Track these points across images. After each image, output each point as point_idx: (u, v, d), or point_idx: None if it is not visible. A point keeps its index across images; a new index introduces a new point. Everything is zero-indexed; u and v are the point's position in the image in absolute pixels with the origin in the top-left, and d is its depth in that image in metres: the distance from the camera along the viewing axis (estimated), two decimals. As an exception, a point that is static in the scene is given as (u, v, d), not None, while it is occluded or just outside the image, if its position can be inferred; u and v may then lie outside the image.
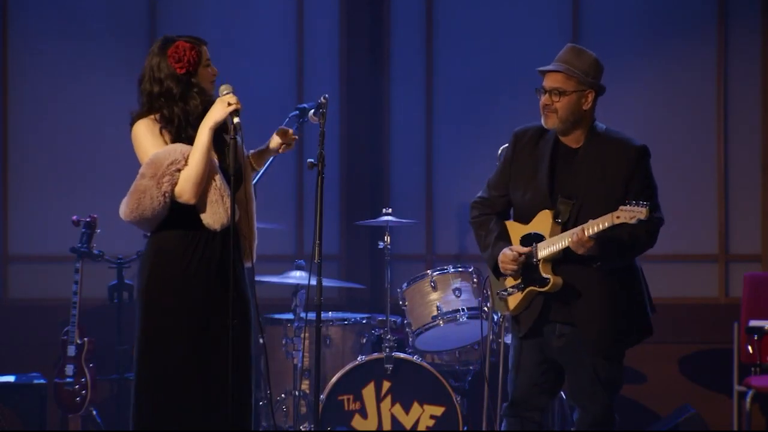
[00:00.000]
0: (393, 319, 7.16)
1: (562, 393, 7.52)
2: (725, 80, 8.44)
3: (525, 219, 5.30)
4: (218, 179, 4.92)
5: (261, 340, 5.91)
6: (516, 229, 5.34)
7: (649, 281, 8.35)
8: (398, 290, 7.21)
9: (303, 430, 7.11)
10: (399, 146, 8.43)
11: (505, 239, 5.33)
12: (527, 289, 5.26)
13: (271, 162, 6.29)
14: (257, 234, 5.13)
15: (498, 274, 5.34)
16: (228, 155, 4.90)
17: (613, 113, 8.43)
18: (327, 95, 5.26)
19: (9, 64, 8.35)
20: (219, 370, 4.93)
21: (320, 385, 5.30)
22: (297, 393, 7.17)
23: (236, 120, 4.88)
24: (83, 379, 7.45)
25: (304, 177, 8.42)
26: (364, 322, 7.38)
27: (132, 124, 5.01)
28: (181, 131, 4.95)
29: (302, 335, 7.19)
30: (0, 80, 8.34)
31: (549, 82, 5.20)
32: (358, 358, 7.09)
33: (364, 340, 7.34)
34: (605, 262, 5.13)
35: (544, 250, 5.18)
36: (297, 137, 5.16)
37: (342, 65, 8.44)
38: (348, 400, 7.03)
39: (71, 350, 7.44)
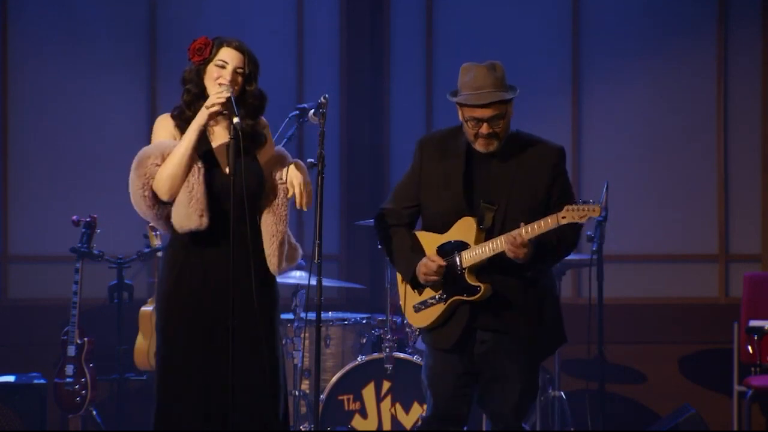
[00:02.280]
0: (393, 319, 7.16)
1: (562, 393, 7.52)
2: (725, 80, 8.44)
3: (440, 228, 5.09)
4: (195, 180, 4.91)
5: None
6: (430, 239, 5.12)
7: (649, 281, 8.45)
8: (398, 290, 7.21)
9: (303, 430, 7.11)
10: (399, 146, 8.43)
11: (420, 250, 5.12)
12: (451, 300, 5.06)
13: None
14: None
15: (416, 285, 5.13)
16: (228, 155, 4.90)
17: (613, 113, 8.47)
18: (327, 95, 5.25)
19: (9, 64, 8.35)
20: (239, 371, 4.90)
21: (320, 385, 5.29)
22: (297, 393, 7.17)
23: (236, 120, 4.88)
24: (83, 379, 7.45)
25: (304, 177, 8.41)
26: (364, 322, 7.38)
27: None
28: (182, 117, 4.99)
29: (302, 335, 7.19)
30: (0, 80, 8.34)
31: (485, 112, 4.97)
32: (358, 358, 7.09)
33: (364, 340, 7.34)
34: (539, 266, 5.00)
35: (469, 259, 5.00)
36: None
37: (342, 65, 8.45)
38: (348, 400, 7.03)
39: (71, 350, 7.44)
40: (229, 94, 4.90)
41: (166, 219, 4.97)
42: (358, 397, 7.02)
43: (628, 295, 8.40)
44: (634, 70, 8.45)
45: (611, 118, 8.47)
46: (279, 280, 7.26)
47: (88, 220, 7.48)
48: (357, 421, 7.02)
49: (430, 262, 5.04)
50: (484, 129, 4.98)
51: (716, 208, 8.45)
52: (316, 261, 5.10)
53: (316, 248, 5.10)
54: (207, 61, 4.97)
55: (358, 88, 8.41)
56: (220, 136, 5.03)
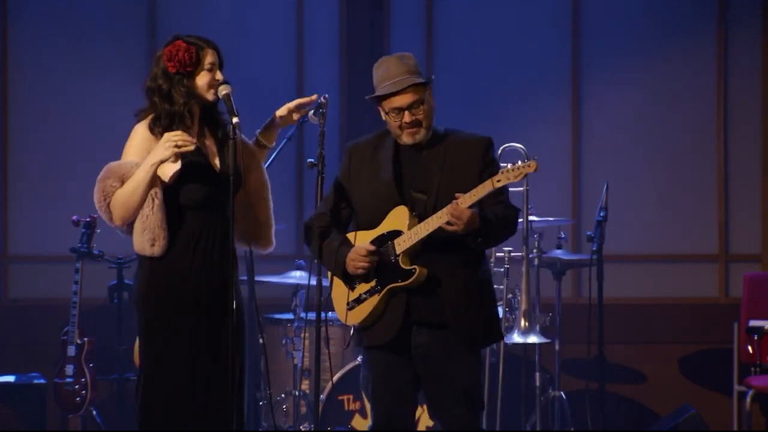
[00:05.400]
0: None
1: (562, 393, 7.53)
2: (725, 80, 8.44)
3: (373, 223, 5.00)
4: (149, 210, 4.93)
5: (261, 340, 5.91)
6: (362, 237, 5.02)
7: (649, 281, 8.45)
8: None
9: (303, 430, 7.11)
10: (399, 146, 8.43)
11: (350, 246, 5.01)
12: (386, 289, 4.94)
13: (272, 160, 6.29)
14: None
15: (347, 280, 5.03)
16: (228, 155, 4.91)
17: (613, 113, 8.47)
18: (327, 95, 5.26)
19: (9, 64, 8.35)
20: (219, 371, 4.94)
21: (320, 385, 5.29)
22: (297, 393, 7.17)
23: (235, 120, 4.89)
24: (83, 379, 7.45)
25: (304, 177, 8.42)
26: (364, 322, 7.37)
27: (136, 119, 5.04)
28: (169, 130, 4.95)
29: (302, 335, 7.19)
30: (0, 80, 8.35)
31: (404, 99, 4.95)
32: (358, 358, 7.09)
33: (364, 340, 7.33)
34: (482, 239, 4.84)
35: (403, 243, 4.91)
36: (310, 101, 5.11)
37: (342, 65, 8.45)
38: (348, 400, 7.02)
39: (71, 350, 7.44)
40: (229, 91, 4.94)
41: (128, 228, 5.04)
42: (358, 397, 7.02)
43: (628, 295, 8.40)
44: (634, 70, 8.45)
45: (611, 118, 8.48)
46: (279, 280, 7.31)
47: (88, 220, 7.49)
48: (357, 421, 7.02)
49: (359, 248, 4.96)
50: (407, 117, 4.95)
51: (716, 208, 8.45)
52: (316, 261, 5.10)
53: (316, 248, 5.10)
54: (196, 68, 4.97)
55: (358, 88, 8.41)
56: (204, 132, 5.05)
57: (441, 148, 5.00)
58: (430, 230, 4.86)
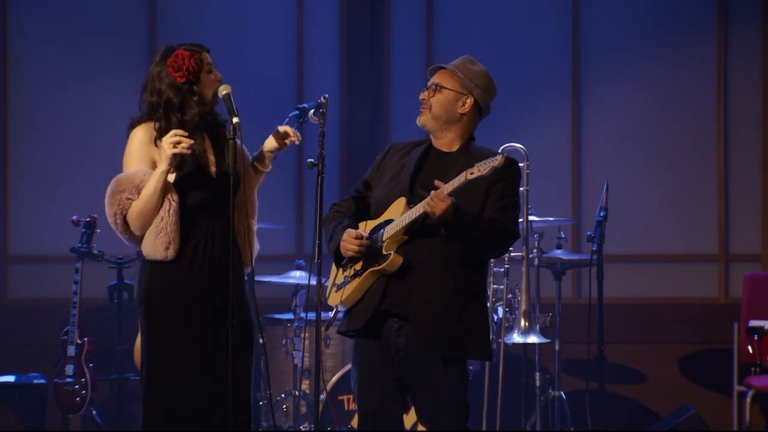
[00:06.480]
0: (393, 319, 7.14)
1: (562, 392, 7.53)
2: (725, 80, 8.44)
3: (380, 214, 5.06)
4: (165, 213, 4.93)
5: (261, 340, 5.91)
6: (370, 226, 5.05)
7: (649, 281, 8.45)
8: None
9: (303, 430, 7.11)
10: (399, 146, 8.43)
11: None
12: (366, 272, 4.95)
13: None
14: (256, 235, 5.19)
15: (341, 262, 5.07)
16: (228, 155, 4.91)
17: (613, 113, 8.47)
18: (327, 95, 5.26)
19: (9, 64, 8.36)
20: (222, 372, 4.94)
21: (320, 385, 5.30)
22: (297, 393, 7.17)
23: (235, 120, 4.90)
24: (83, 379, 7.45)
25: (304, 177, 8.42)
26: (364, 322, 7.37)
27: (130, 128, 5.03)
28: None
29: (302, 335, 7.19)
30: (0, 80, 8.35)
31: (431, 79, 5.16)
32: (358, 358, 7.09)
33: (364, 340, 7.33)
34: (453, 231, 4.83)
35: (390, 231, 4.93)
36: (297, 138, 5.16)
37: (342, 65, 8.45)
38: (348, 400, 7.02)
39: (71, 350, 7.44)
40: (229, 91, 4.95)
41: (138, 241, 5.03)
42: (358, 397, 7.02)
43: (628, 295, 8.40)
44: (634, 70, 8.45)
45: (611, 118, 8.48)
46: (279, 280, 7.31)
47: (88, 220, 7.49)
48: (357, 421, 7.02)
49: (350, 231, 4.99)
50: (423, 95, 5.13)
51: (716, 208, 8.45)
52: (316, 261, 5.10)
53: (316, 248, 5.10)
54: (200, 72, 5.00)
55: (358, 88, 8.42)
56: (202, 136, 5.05)
57: (465, 158, 5.03)
58: (413, 218, 4.88)
